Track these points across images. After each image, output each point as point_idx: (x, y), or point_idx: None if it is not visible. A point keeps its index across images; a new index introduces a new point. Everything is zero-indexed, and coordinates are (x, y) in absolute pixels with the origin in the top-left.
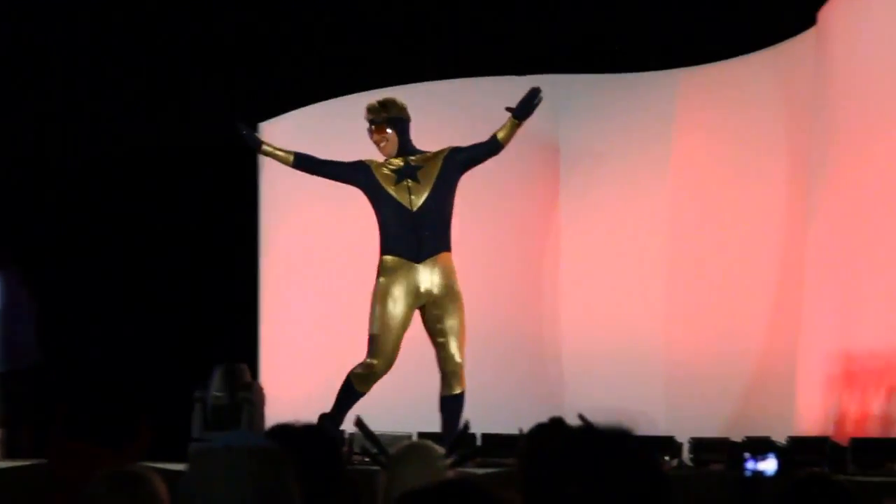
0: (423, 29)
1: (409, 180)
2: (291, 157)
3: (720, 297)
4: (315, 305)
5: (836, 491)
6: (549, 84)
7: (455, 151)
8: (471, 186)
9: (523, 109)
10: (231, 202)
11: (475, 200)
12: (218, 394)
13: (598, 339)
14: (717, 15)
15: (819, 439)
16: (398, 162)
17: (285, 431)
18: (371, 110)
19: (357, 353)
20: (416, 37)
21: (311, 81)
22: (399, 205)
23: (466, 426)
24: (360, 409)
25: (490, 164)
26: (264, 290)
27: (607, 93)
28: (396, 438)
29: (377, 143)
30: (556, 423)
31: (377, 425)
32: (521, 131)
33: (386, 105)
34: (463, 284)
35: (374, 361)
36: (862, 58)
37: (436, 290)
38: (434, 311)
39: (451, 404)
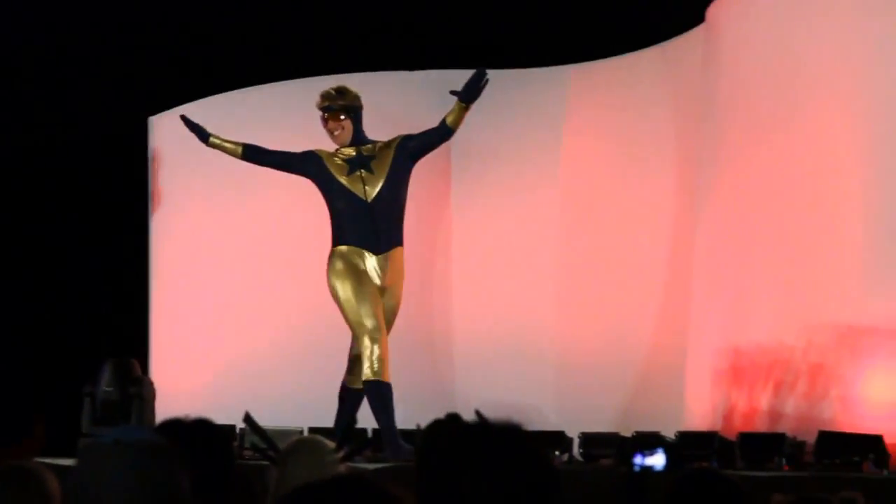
0: (311, 24)
1: (363, 170)
2: (240, 149)
3: (610, 294)
4: (206, 300)
5: (723, 485)
6: (441, 80)
7: (406, 139)
8: None
9: (469, 92)
10: (121, 196)
11: None
12: (108, 389)
13: (490, 334)
14: (607, 11)
15: (708, 434)
16: (350, 152)
17: (175, 426)
18: (326, 97)
19: (249, 348)
20: (306, 32)
21: (199, 77)
22: (353, 195)
23: (354, 420)
24: (248, 404)
25: None
26: (155, 284)
27: (499, 88)
28: (286, 433)
29: (331, 132)
30: (452, 419)
31: (267, 421)
32: (409, 128)
33: (342, 92)
34: None
35: (367, 341)
36: (749, 55)
37: (387, 284)
38: (385, 304)
39: (370, 392)
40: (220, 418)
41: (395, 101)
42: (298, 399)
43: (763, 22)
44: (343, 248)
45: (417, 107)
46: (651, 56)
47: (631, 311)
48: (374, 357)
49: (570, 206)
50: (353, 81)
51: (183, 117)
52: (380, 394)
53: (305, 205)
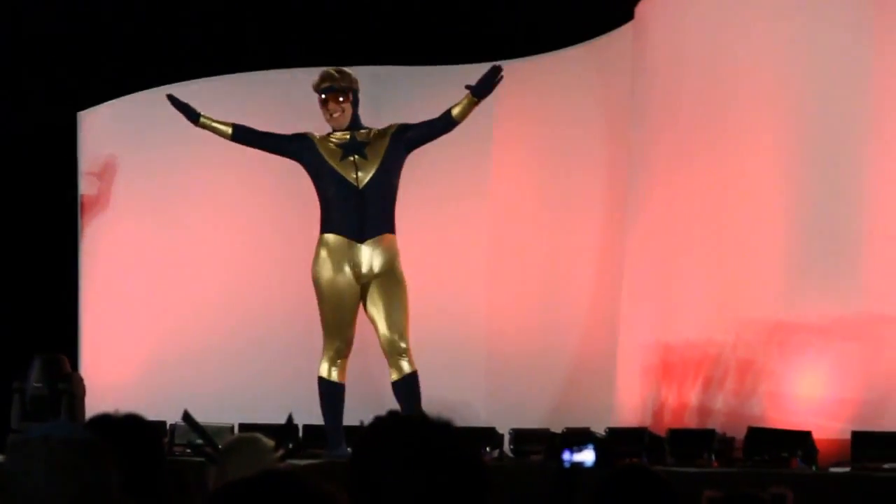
0: (242, 19)
1: (356, 156)
2: (230, 130)
3: (541, 290)
4: (136, 296)
5: (653, 481)
6: (371, 76)
7: (403, 129)
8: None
9: (483, 87)
10: (51, 189)
11: (299, 189)
12: (37, 384)
13: (420, 330)
14: (535, 7)
15: (637, 430)
16: (344, 136)
17: (105, 422)
18: (328, 77)
19: (179, 344)
20: (236, 27)
21: (127, 72)
22: (344, 181)
23: (290, 418)
24: (179, 401)
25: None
26: (84, 280)
27: (429, 85)
28: (218, 430)
29: (331, 113)
30: (392, 416)
31: (197, 418)
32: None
33: (345, 74)
34: (283, 273)
35: (335, 345)
36: (678, 53)
37: (376, 272)
38: (373, 294)
39: (401, 388)
40: (150, 414)
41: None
42: (229, 396)
43: (692, 19)
44: (329, 236)
45: None
46: (579, 53)
47: (561, 308)
48: (321, 365)
49: (500, 204)
50: (284, 77)
51: (170, 97)
52: (332, 392)
53: (239, 202)
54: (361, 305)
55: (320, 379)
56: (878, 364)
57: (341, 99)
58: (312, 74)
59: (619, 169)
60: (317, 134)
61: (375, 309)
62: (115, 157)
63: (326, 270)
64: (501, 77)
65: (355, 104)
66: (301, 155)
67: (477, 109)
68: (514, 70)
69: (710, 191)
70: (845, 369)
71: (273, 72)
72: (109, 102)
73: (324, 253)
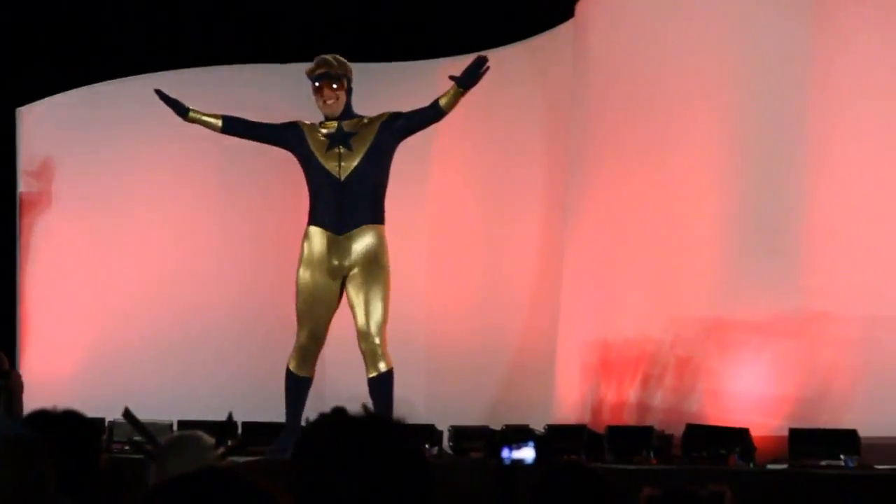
0: (183, 15)
1: (342, 147)
2: (220, 122)
3: (480, 288)
4: (77, 293)
5: (589, 478)
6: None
7: (393, 118)
8: (236, 174)
9: (469, 78)
10: None
11: (240, 186)
12: None
13: None
14: (478, 6)
15: (577, 427)
16: (332, 126)
17: (43, 418)
18: (323, 63)
19: (118, 342)
20: (178, 23)
21: (67, 68)
22: (327, 173)
23: (230, 416)
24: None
25: (243, 151)
26: (24, 276)
27: (366, 81)
28: (157, 427)
29: (325, 100)
30: (338, 413)
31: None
32: (269, 121)
33: (341, 62)
34: (222, 270)
35: (302, 341)
36: (618, 51)
37: (356, 265)
38: (353, 286)
39: (376, 386)
40: (90, 411)
41: (260, 94)
42: (169, 393)
43: (631, 18)
44: (311, 229)
45: (282, 100)
46: (520, 51)
47: (501, 306)
48: (291, 357)
49: (440, 202)
50: (223, 74)
51: (158, 91)
52: (292, 386)
53: (179, 199)
54: (346, 301)
55: (286, 370)
56: (816, 361)
57: (335, 86)
58: (257, 71)
59: (559, 167)
60: (307, 122)
61: (354, 301)
62: (52, 158)
63: (305, 263)
64: (488, 67)
65: (349, 92)
66: (291, 145)
67: (418, 104)
68: (455, 67)
69: (649, 189)
70: (783, 367)
71: (221, 68)
72: (49, 98)
73: (305, 246)
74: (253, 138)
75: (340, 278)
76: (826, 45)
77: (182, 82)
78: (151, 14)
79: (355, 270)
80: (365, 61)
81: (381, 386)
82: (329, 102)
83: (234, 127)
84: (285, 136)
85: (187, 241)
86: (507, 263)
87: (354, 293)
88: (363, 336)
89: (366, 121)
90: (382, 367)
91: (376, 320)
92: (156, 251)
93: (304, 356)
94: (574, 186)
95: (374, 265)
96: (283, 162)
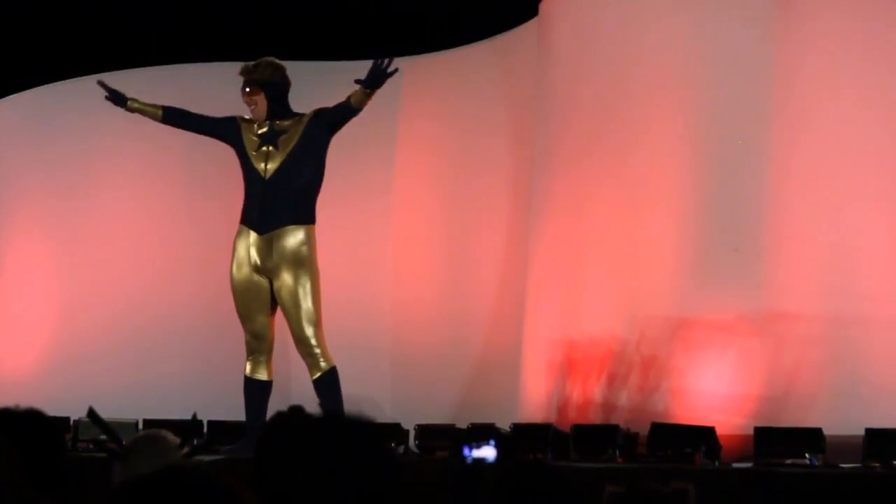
0: (147, 12)
1: (270, 146)
2: (160, 112)
3: (446, 287)
4: (40, 289)
5: (551, 477)
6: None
7: (319, 112)
8: (209, 171)
9: (373, 79)
10: None
11: (212, 184)
12: None
13: (325, 325)
14: (441, 4)
15: (542, 426)
16: (265, 126)
17: (5, 417)
18: (243, 71)
19: (84, 339)
20: (142, 20)
21: (30, 66)
22: (255, 171)
23: (194, 415)
24: (89, 397)
25: (214, 147)
26: None
27: (331, 80)
28: (122, 426)
29: (248, 106)
30: (295, 411)
31: (101, 413)
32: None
33: (258, 66)
34: (189, 268)
35: (247, 338)
36: (582, 51)
37: (280, 268)
38: (279, 289)
39: (321, 386)
40: (55, 410)
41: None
42: (133, 391)
43: (596, 16)
44: (241, 227)
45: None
46: (484, 50)
47: (466, 304)
48: (248, 356)
49: (404, 201)
50: (164, 74)
51: (100, 82)
52: (248, 389)
53: (147, 197)
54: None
55: (243, 375)
56: (780, 360)
57: (248, 90)
58: (223, 69)
59: (524, 166)
60: (246, 117)
61: (284, 306)
62: (13, 154)
63: (235, 262)
64: (394, 69)
65: (272, 96)
66: (228, 139)
67: (381, 105)
68: (418, 66)
69: (614, 188)
70: (748, 365)
71: (184, 66)
72: (13, 97)
73: (235, 244)
74: (191, 129)
75: (268, 279)
76: (790, 46)
77: (146, 80)
78: (114, 10)
79: (281, 273)
80: (328, 59)
81: (327, 385)
82: (251, 108)
83: (174, 117)
84: (223, 130)
85: (153, 238)
86: (471, 261)
87: (283, 298)
88: (298, 340)
89: (296, 120)
90: (325, 366)
91: (309, 322)
92: (120, 247)
93: (254, 358)
94: (539, 186)
95: (299, 266)
96: None
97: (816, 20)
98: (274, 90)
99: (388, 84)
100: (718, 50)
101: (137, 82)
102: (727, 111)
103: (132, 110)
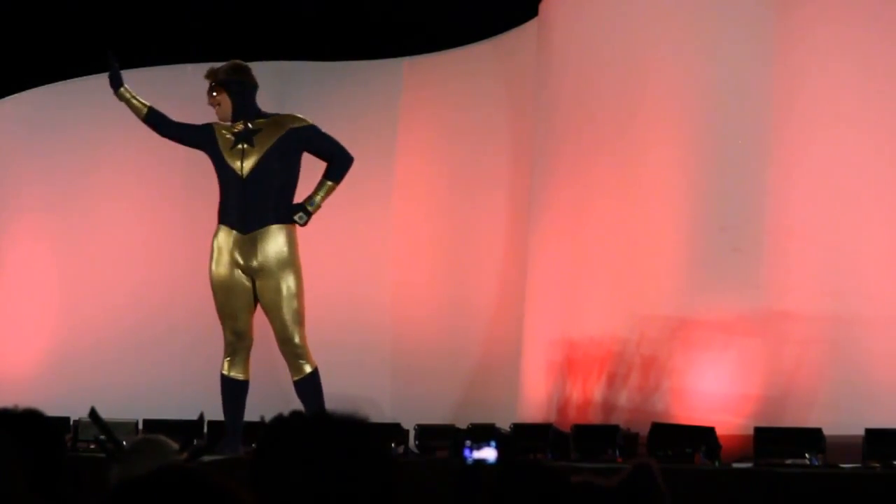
0: (142, 13)
1: (245, 144)
2: (145, 110)
3: (446, 287)
4: (41, 290)
5: (547, 477)
6: (275, 71)
7: (309, 131)
8: (202, 172)
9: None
10: None
11: (205, 185)
12: None
13: (325, 326)
14: (441, 4)
15: (542, 426)
16: (240, 125)
17: (5, 417)
18: (206, 74)
19: (85, 339)
20: (137, 21)
21: (31, 66)
22: (230, 170)
23: (201, 416)
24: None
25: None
26: None
27: (331, 80)
28: (121, 425)
29: (213, 107)
30: (295, 416)
31: (101, 413)
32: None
33: (221, 68)
34: (188, 268)
35: (227, 338)
36: (581, 51)
37: (262, 266)
38: (262, 290)
39: (303, 388)
40: (56, 410)
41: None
42: (134, 391)
43: (595, 16)
44: (220, 227)
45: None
46: (484, 50)
47: (466, 304)
48: (227, 355)
49: (405, 201)
50: (164, 74)
51: (110, 52)
52: (227, 388)
53: (144, 197)
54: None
55: (221, 374)
56: (780, 360)
57: (214, 93)
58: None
59: (524, 166)
60: (221, 122)
61: (266, 306)
62: (15, 156)
63: (215, 262)
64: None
65: (236, 96)
66: (202, 144)
67: (383, 105)
68: (419, 66)
69: (614, 188)
70: (748, 365)
71: (182, 66)
72: (15, 96)
73: (214, 244)
74: (169, 135)
75: (250, 278)
76: (790, 46)
77: (141, 80)
78: (101, 13)
79: (263, 273)
80: (331, 60)
81: (308, 388)
82: (215, 109)
83: (156, 119)
84: (198, 137)
85: (153, 239)
86: (472, 262)
87: (269, 298)
88: (283, 341)
89: (272, 119)
90: (307, 368)
91: (292, 322)
92: (120, 248)
93: (232, 356)
94: (539, 186)
95: (282, 266)
96: None
97: (818, 25)
98: (236, 88)
99: (388, 85)
100: (718, 53)
101: (137, 82)
102: (726, 111)
103: (121, 98)
